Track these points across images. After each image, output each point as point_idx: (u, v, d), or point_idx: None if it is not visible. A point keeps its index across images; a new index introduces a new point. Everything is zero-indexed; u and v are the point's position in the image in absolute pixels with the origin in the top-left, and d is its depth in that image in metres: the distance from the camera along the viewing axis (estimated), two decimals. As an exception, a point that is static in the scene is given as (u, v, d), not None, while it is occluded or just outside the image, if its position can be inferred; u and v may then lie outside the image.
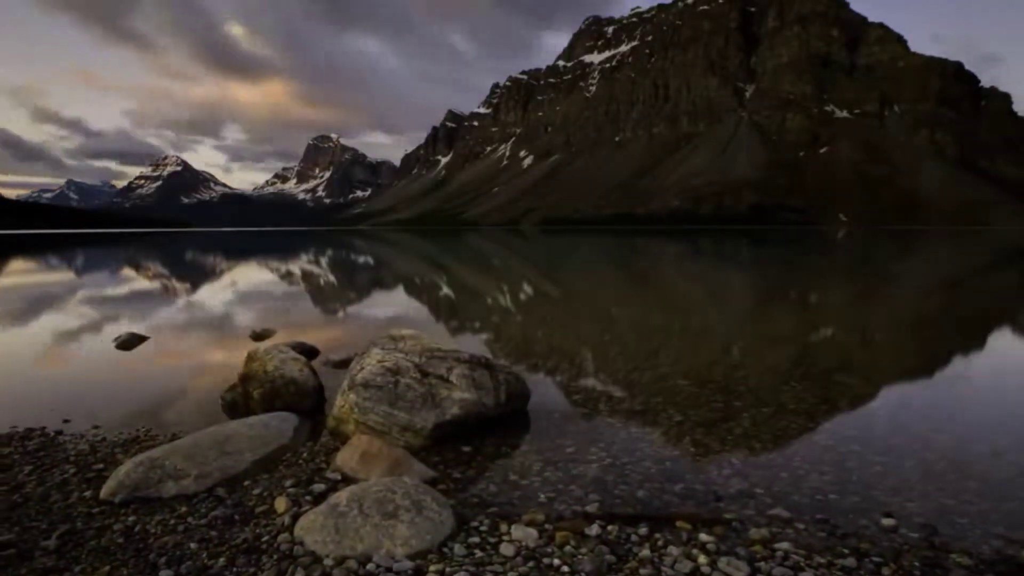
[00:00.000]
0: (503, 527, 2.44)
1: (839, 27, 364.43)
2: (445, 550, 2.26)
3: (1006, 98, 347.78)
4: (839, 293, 12.36)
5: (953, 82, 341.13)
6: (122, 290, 13.18)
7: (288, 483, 2.85)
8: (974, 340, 7.24)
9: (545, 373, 5.20)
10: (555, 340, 6.87)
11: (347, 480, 2.91)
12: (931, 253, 30.05)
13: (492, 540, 2.33)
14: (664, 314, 9.15)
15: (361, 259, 26.93)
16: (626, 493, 2.83)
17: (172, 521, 2.47)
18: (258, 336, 6.89)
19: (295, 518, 2.45)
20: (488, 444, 3.49)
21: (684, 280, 15.42)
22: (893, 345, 6.78)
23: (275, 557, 2.16)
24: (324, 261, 25.20)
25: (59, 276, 17.55)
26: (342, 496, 2.46)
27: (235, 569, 2.09)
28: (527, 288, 13.47)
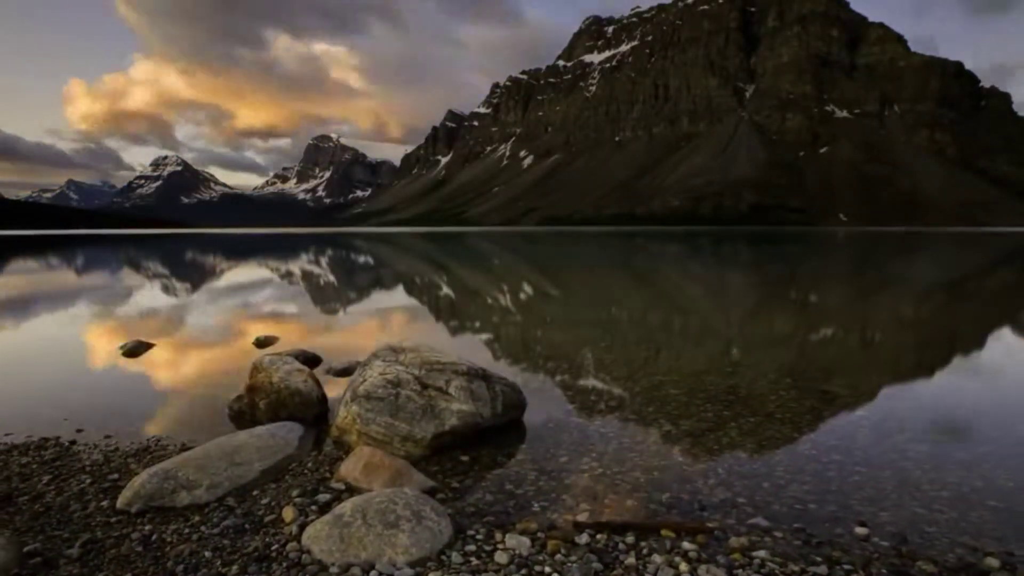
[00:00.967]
0: (498, 535, 2.59)
1: (839, 27, 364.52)
2: (443, 558, 2.41)
3: (1006, 98, 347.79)
4: (831, 299, 12.52)
5: (953, 82, 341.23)
6: (125, 295, 13.33)
7: (295, 493, 3.00)
8: (959, 348, 7.40)
9: (541, 382, 5.36)
10: (551, 348, 7.02)
11: (351, 490, 3.06)
12: (928, 255, 30.22)
13: (487, 548, 2.49)
14: (659, 321, 9.31)
15: (361, 260, 27.08)
16: (615, 503, 2.98)
17: (186, 530, 2.62)
18: (261, 343, 7.04)
19: (302, 527, 2.61)
20: (485, 454, 3.65)
21: (680, 286, 15.59)
22: (880, 353, 6.93)
23: (284, 565, 2.31)
24: (324, 263, 25.35)
25: (63, 280, 17.70)
26: (347, 506, 2.61)
27: (247, 576, 2.24)
28: (525, 293, 13.63)
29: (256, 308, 10.77)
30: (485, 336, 7.93)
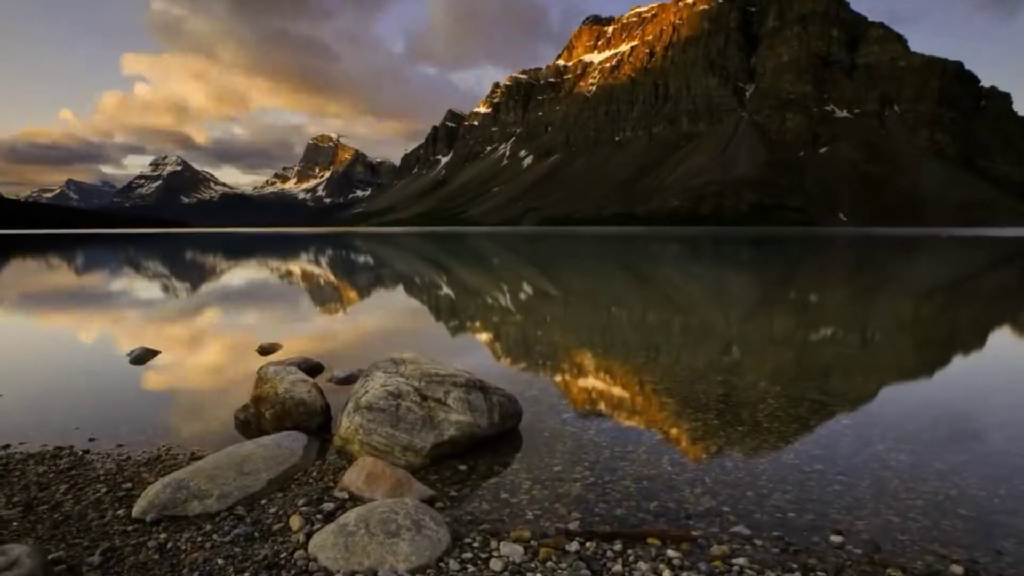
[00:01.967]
0: (493, 543, 2.75)
1: (839, 27, 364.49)
2: (442, 565, 2.56)
3: (1006, 98, 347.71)
4: (824, 306, 12.67)
5: (953, 82, 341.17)
6: (128, 298, 13.49)
7: (301, 502, 3.15)
8: (946, 356, 7.56)
9: (537, 390, 5.51)
10: (547, 355, 7.18)
11: (354, 499, 3.21)
12: (926, 256, 30.36)
13: (483, 556, 2.64)
14: (654, 329, 9.46)
15: (361, 260, 27.23)
16: (605, 511, 3.13)
17: (199, 538, 2.78)
18: (265, 350, 7.19)
19: (309, 536, 2.76)
20: (482, 463, 3.80)
21: (675, 292, 15.75)
22: (868, 361, 7.08)
23: (293, 572, 2.47)
24: (324, 264, 25.50)
25: (65, 283, 17.85)
26: (351, 516, 2.77)
27: (258, 583, 2.40)
28: (523, 298, 13.79)
29: (258, 312, 10.93)
30: (483, 342, 8.09)
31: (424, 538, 2.66)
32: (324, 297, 13.85)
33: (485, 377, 4.68)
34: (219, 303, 12.63)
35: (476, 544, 2.75)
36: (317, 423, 4.40)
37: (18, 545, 2.55)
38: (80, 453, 3.96)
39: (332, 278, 19.69)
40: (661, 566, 2.56)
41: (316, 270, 23.15)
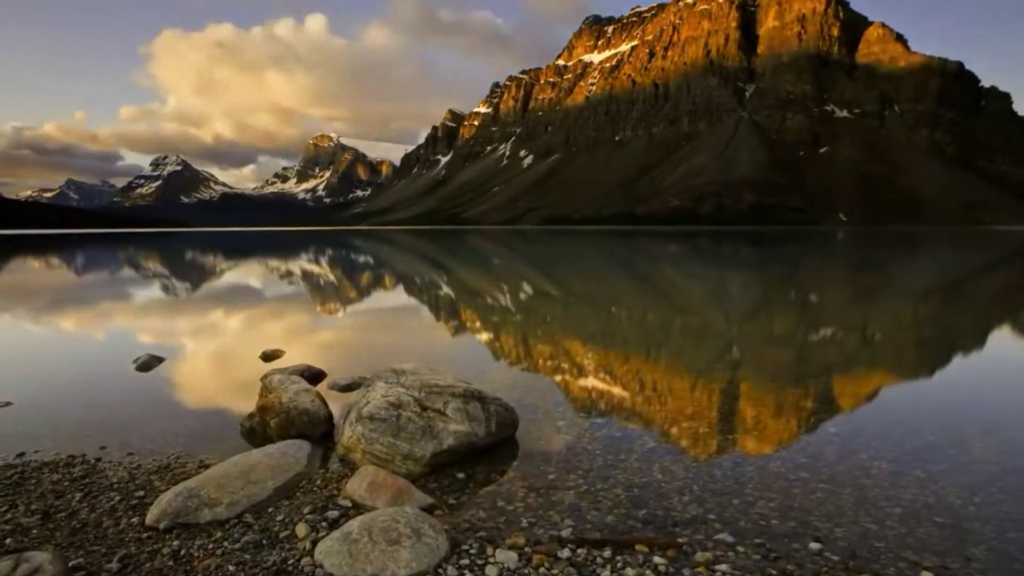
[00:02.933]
0: (489, 550, 2.90)
1: (839, 27, 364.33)
2: (440, 571, 2.71)
3: (1006, 98, 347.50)
4: (818, 310, 12.82)
5: (953, 82, 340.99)
6: (132, 303, 13.64)
7: (306, 510, 3.30)
8: (934, 363, 7.70)
9: (534, 398, 5.66)
10: (544, 362, 7.33)
11: (356, 507, 3.36)
12: (924, 257, 30.49)
13: (479, 562, 2.79)
14: (649, 336, 9.61)
15: (361, 260, 27.37)
16: (597, 519, 3.28)
17: (211, 545, 2.93)
18: (268, 357, 7.35)
19: (315, 543, 2.91)
20: (479, 471, 3.95)
21: (672, 294, 15.89)
22: (857, 369, 7.23)
23: (300, 578, 2.62)
24: (325, 266, 25.65)
25: (67, 286, 18.00)
26: (354, 524, 2.92)
27: (267, 588, 2.55)
28: (522, 301, 13.93)
29: (259, 316, 11.08)
30: (482, 348, 8.24)
31: (424, 545, 2.81)
32: (324, 301, 14.00)
33: (483, 383, 4.84)
34: (221, 307, 12.79)
35: (473, 551, 2.90)
36: (320, 431, 4.55)
37: (40, 552, 2.71)
38: (92, 461, 4.11)
39: (332, 281, 19.84)
40: (648, 572, 2.70)
41: (316, 273, 23.30)
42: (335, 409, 4.97)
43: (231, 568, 2.70)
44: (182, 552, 2.86)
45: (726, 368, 7.00)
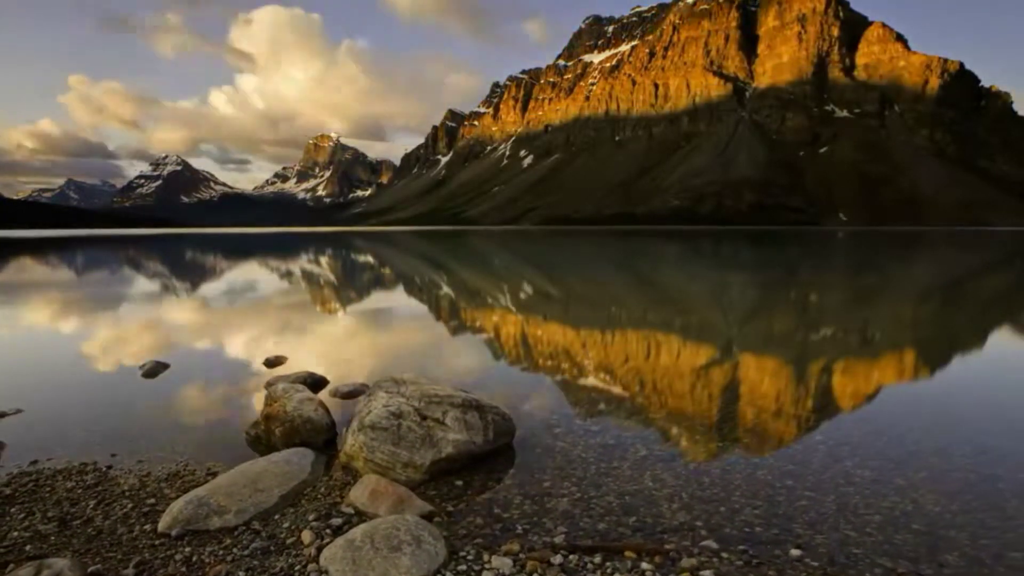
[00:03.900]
0: (485, 556, 3.05)
1: (839, 27, 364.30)
2: (439, 576, 2.86)
3: (1006, 98, 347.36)
4: (813, 315, 12.97)
5: (953, 82, 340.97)
6: (135, 308, 13.80)
7: (311, 517, 3.45)
8: (919, 371, 7.85)
9: (531, 405, 5.80)
10: (542, 370, 7.49)
11: (359, 514, 3.51)
12: (922, 258, 30.64)
13: (476, 568, 2.94)
14: (645, 343, 9.76)
15: (361, 260, 27.52)
16: (588, 526, 3.43)
17: (221, 552, 3.08)
18: (271, 363, 7.50)
19: (319, 549, 3.06)
20: (477, 478, 4.10)
21: (668, 298, 16.04)
22: (844, 377, 7.38)
23: (306, 584, 2.77)
24: (326, 266, 25.80)
25: (70, 293, 18.15)
26: (357, 532, 3.07)
27: (275, 593, 2.70)
28: (521, 305, 14.08)
29: (261, 322, 11.23)
30: (481, 353, 8.39)
31: (423, 552, 2.96)
32: (325, 305, 14.15)
33: (481, 389, 5.00)
34: (223, 312, 12.94)
35: (470, 557, 3.05)
36: (323, 439, 4.70)
37: (60, 559, 2.86)
38: (104, 469, 4.26)
39: (332, 284, 19.98)
40: (635, 578, 2.85)
41: (316, 276, 23.44)
42: (337, 416, 5.12)
43: (241, 574, 2.85)
44: (194, 558, 3.01)
45: (718, 376, 7.15)
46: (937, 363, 8.12)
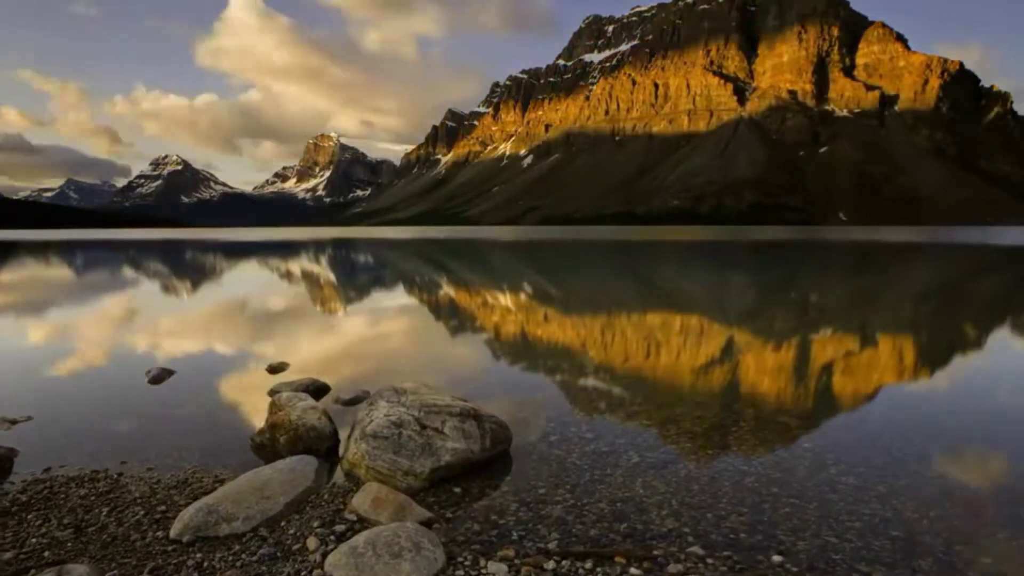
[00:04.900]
0: (482, 562, 3.20)
1: (839, 27, 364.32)
2: (437, 582, 3.02)
3: (1006, 98, 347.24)
4: (804, 325, 13.12)
5: (953, 82, 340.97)
6: (138, 313, 13.95)
7: (315, 524, 3.61)
8: (907, 379, 8.01)
9: (528, 413, 5.96)
10: (538, 378, 7.66)
11: (361, 520, 3.67)
12: (920, 261, 30.78)
13: (473, 573, 3.09)
14: (640, 352, 9.92)
15: (361, 260, 27.69)
16: (581, 532, 3.59)
17: (230, 558, 3.23)
18: (274, 369, 7.66)
19: (324, 555, 3.22)
20: (475, 486, 4.26)
21: (664, 304, 16.19)
22: (832, 385, 7.54)
23: (312, 589, 2.92)
24: (326, 266, 25.96)
25: (71, 295, 18.30)
26: (360, 539, 3.22)
27: (283, 598, 2.85)
28: (520, 311, 14.24)
29: (264, 328, 11.38)
30: (480, 359, 8.55)
31: (423, 558, 3.12)
32: (327, 311, 14.31)
33: (479, 396, 5.15)
34: (225, 318, 13.09)
35: (467, 563, 3.20)
36: (326, 446, 4.86)
37: (78, 565, 3.02)
38: (115, 476, 4.41)
39: (334, 290, 20.14)
40: (624, 583, 3.01)
41: (318, 281, 23.59)
42: (339, 423, 5.27)
43: (250, 579, 3.01)
44: (205, 564, 3.16)
45: (710, 385, 7.31)
46: (924, 372, 8.28)
